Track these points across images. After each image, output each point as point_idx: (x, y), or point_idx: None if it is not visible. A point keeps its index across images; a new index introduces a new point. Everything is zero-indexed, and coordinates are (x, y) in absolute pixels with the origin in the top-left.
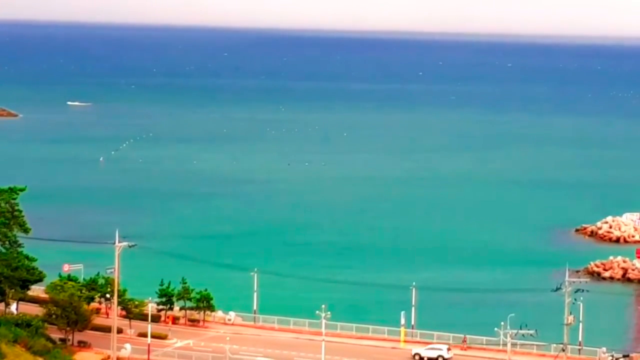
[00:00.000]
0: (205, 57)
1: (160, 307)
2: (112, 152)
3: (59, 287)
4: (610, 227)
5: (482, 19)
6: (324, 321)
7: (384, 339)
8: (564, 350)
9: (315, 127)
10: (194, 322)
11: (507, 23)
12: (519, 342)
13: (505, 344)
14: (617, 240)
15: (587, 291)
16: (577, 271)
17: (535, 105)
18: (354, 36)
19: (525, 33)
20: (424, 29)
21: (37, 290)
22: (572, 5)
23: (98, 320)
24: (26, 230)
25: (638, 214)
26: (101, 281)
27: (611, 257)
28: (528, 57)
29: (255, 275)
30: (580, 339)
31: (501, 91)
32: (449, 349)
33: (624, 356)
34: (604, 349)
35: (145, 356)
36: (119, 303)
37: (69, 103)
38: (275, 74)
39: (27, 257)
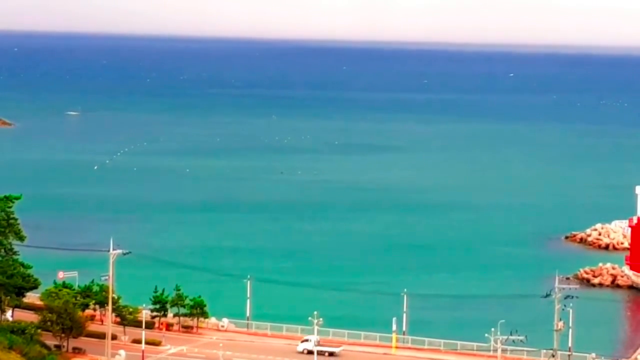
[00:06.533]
0: (216, 67)
1: (154, 313)
2: (107, 161)
3: (54, 294)
4: (600, 234)
5: (485, 30)
6: (316, 327)
7: (376, 345)
8: (553, 356)
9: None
10: (187, 328)
11: (508, 33)
12: (509, 347)
13: (495, 350)
14: (607, 247)
15: (577, 297)
16: (567, 278)
17: (527, 114)
18: (375, 47)
19: (524, 43)
20: (441, 39)
21: (32, 297)
22: (560, 15)
23: (92, 327)
24: (21, 238)
25: (627, 221)
26: (96, 288)
27: (600, 264)
28: (526, 66)
29: (249, 282)
30: (570, 344)
31: (504, 101)
32: None
33: None
34: (594, 354)
35: None
36: (114, 310)
37: (70, 113)
38: (276, 83)
39: (22, 265)
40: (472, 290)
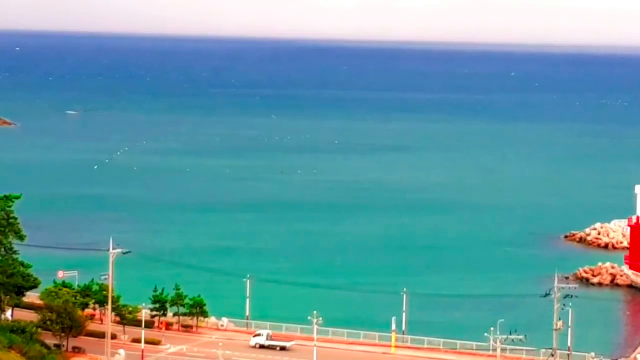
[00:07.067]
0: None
1: (154, 313)
2: (106, 161)
3: (53, 294)
4: (599, 233)
5: (485, 29)
6: (315, 327)
7: (375, 344)
8: (552, 356)
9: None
10: (187, 327)
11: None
12: (508, 347)
13: (495, 349)
14: (606, 247)
15: (576, 297)
16: (566, 277)
17: (527, 113)
18: (378, 47)
19: (525, 42)
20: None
21: (32, 296)
22: (558, 15)
23: (92, 326)
24: (21, 237)
25: (626, 220)
26: (95, 287)
27: (600, 263)
28: (527, 66)
29: (248, 281)
30: (569, 344)
31: (505, 100)
32: None
33: None
34: (593, 354)
35: None
36: (113, 309)
37: (69, 112)
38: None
39: (22, 264)
40: (472, 289)
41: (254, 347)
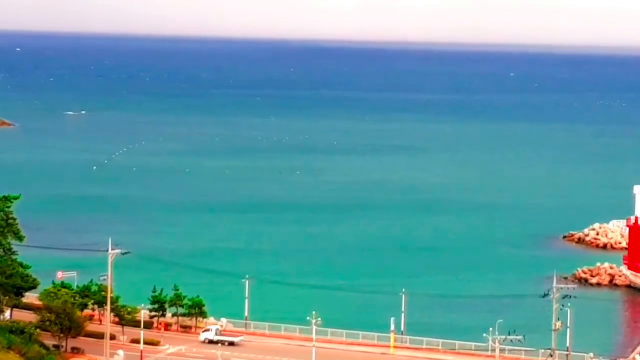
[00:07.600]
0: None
1: (153, 314)
2: (106, 161)
3: (53, 294)
4: (598, 234)
5: (485, 30)
6: (314, 327)
7: (374, 345)
8: (551, 356)
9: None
10: (186, 328)
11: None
12: (507, 347)
13: (494, 350)
14: (605, 247)
15: (575, 297)
16: (565, 278)
17: (527, 114)
18: (377, 47)
19: (524, 43)
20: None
21: (31, 297)
22: (556, 15)
23: (91, 327)
24: (20, 238)
25: (625, 221)
26: (95, 288)
27: (598, 264)
28: (527, 66)
29: (247, 282)
30: (568, 344)
31: (505, 101)
32: None
33: None
34: (592, 354)
35: None
36: (112, 310)
37: (69, 113)
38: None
39: (21, 265)
40: (471, 290)
41: (204, 342)
